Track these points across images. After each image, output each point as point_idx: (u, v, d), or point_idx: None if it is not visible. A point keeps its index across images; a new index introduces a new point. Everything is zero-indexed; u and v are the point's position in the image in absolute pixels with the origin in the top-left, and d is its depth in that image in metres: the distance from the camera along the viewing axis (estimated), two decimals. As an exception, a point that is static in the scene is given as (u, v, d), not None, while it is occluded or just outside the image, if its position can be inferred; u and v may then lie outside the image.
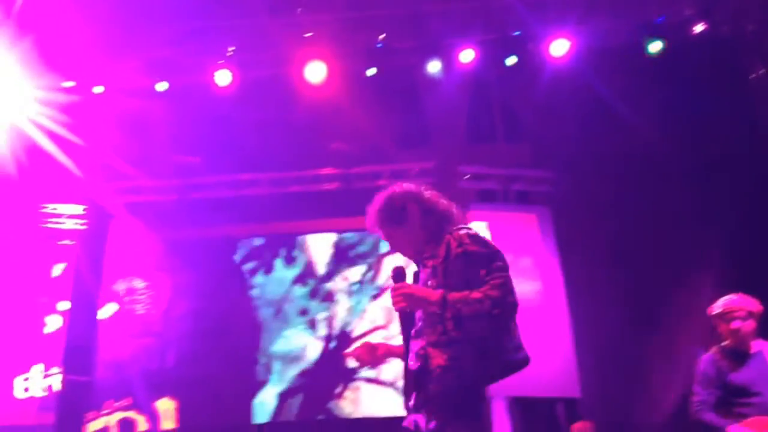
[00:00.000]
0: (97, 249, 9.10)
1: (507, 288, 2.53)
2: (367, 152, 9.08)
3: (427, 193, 2.92)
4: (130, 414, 8.73)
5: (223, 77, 7.94)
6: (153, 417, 8.71)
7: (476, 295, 2.49)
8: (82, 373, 8.68)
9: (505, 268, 2.59)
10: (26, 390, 8.60)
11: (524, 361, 2.58)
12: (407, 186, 2.95)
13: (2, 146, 7.67)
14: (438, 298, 2.51)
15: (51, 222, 9.09)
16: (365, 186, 9.19)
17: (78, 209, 9.22)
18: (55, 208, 8.95)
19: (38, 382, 8.63)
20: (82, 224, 9.22)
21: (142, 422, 8.71)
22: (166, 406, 8.78)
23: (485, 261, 2.59)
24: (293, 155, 9.08)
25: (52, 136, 7.77)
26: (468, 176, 9.20)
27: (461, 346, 2.54)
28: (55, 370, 8.68)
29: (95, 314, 8.92)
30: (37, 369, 8.66)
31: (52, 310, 8.85)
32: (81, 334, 8.76)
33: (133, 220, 9.24)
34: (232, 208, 9.20)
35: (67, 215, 9.15)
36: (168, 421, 8.70)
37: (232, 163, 9.12)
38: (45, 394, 8.61)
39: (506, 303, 2.51)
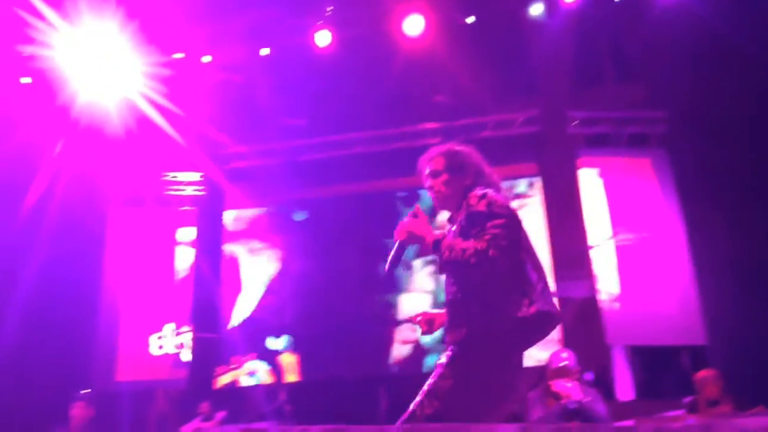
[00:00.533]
0: (216, 213, 9.54)
1: (494, 243, 2.53)
2: (469, 104, 8.90)
3: (479, 159, 2.95)
4: (256, 368, 9.17)
5: (322, 38, 8.00)
6: (277, 370, 9.11)
7: (464, 244, 2.55)
8: (210, 331, 9.21)
9: (503, 226, 2.57)
10: (160, 347, 9.23)
11: (540, 316, 2.55)
12: (468, 147, 2.99)
13: (121, 119, 8.11)
14: (432, 240, 2.63)
15: (172, 189, 9.62)
16: (470, 138, 9.06)
17: (195, 176, 9.70)
18: (175, 176, 9.44)
19: (171, 339, 9.24)
20: (200, 190, 9.70)
21: (267, 376, 9.13)
22: (288, 359, 9.14)
23: (482, 220, 2.60)
24: (395, 112, 9.06)
25: (164, 108, 8.14)
26: (576, 122, 8.86)
27: (465, 305, 2.62)
28: (185, 328, 9.26)
29: (219, 275, 9.40)
30: (169, 327, 9.27)
31: (183, 274, 9.42)
32: (207, 295, 9.28)
33: (247, 184, 9.59)
34: (338, 168, 9.33)
35: (186, 182, 9.65)
36: (291, 374, 9.06)
37: (335, 124, 9.23)
38: (177, 351, 9.22)
39: (487, 255, 2.51)
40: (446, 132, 9.07)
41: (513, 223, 2.62)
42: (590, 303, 8.15)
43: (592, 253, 8.28)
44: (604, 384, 7.06)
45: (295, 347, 9.16)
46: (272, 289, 9.51)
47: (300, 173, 9.42)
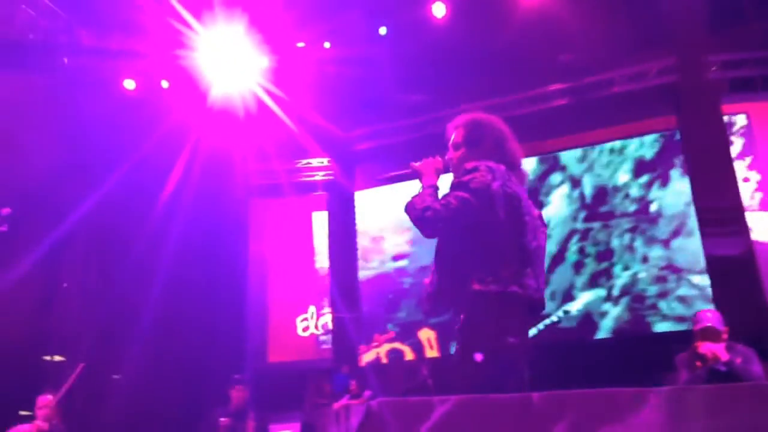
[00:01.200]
0: (346, 195, 9.74)
1: (449, 206, 2.56)
2: (596, 59, 8.47)
3: (501, 132, 2.91)
4: (397, 345, 9.32)
5: (439, 9, 7.89)
6: (417, 346, 9.21)
7: (424, 199, 2.62)
8: (349, 311, 9.45)
9: (462, 197, 2.57)
10: (305, 329, 9.60)
11: (503, 296, 2.53)
12: (493, 118, 2.97)
13: (252, 112, 8.42)
14: (424, 183, 2.73)
15: (306, 176, 9.92)
16: (599, 96, 8.68)
17: (325, 161, 9.94)
18: (308, 162, 9.71)
19: (315, 320, 9.58)
20: (329, 175, 9.93)
21: (408, 352, 9.26)
22: (427, 335, 9.22)
23: (452, 188, 2.64)
24: (518, 77, 8.80)
25: (290, 97, 8.36)
26: (716, 67, 8.22)
27: (436, 276, 2.68)
28: (326, 309, 9.57)
29: (355, 256, 9.59)
30: (313, 309, 9.61)
31: (322, 256, 9.71)
32: (343, 275, 9.52)
33: (375, 164, 9.70)
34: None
35: (318, 168, 9.91)
36: (431, 350, 9.13)
37: (459, 95, 9.09)
38: (321, 331, 9.54)
39: (439, 213, 2.54)
40: (574, 92, 8.73)
41: (478, 201, 2.58)
42: (745, 261, 7.60)
43: (744, 207, 7.71)
44: (760, 345, 6.59)
45: (432, 323, 9.21)
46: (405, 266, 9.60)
47: (424, 148, 9.37)
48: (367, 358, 9.38)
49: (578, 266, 8.79)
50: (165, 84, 8.23)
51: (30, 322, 7.71)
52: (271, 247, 9.63)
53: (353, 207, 9.83)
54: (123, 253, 8.33)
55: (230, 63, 7.93)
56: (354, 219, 9.77)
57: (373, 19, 8.21)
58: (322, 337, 9.57)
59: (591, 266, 8.73)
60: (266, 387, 7.49)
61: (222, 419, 6.28)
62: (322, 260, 9.73)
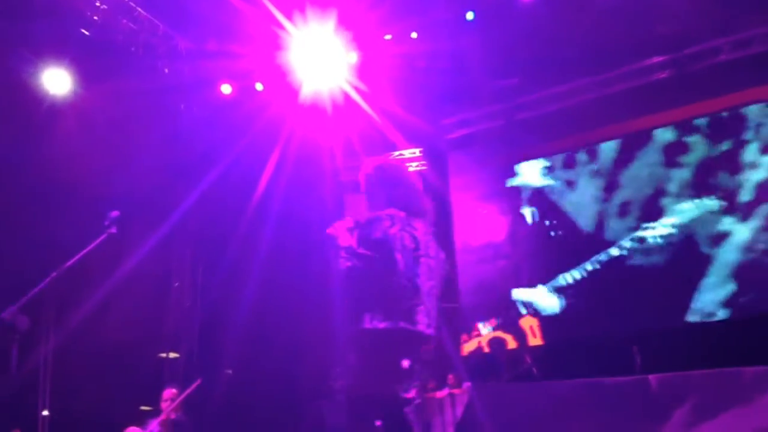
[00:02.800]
0: (441, 185, 9.67)
1: (354, 269, 3.03)
2: (698, 28, 8.02)
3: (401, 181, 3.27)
4: (499, 333, 9.19)
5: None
6: (520, 335, 9.05)
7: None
8: (448, 300, 9.38)
9: (366, 256, 3.01)
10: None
11: (393, 332, 2.92)
12: (397, 165, 3.40)
13: (340, 107, 8.51)
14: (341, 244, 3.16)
15: (397, 168, 9.92)
16: (702, 67, 8.24)
17: (416, 152, 9.92)
18: (400, 155, 9.72)
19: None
20: (422, 165, 9.90)
21: (510, 341, 9.12)
22: (529, 323, 9.04)
23: (358, 242, 3.08)
24: (614, 52, 8.46)
25: (379, 90, 8.39)
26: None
27: None
28: (426, 299, 9.52)
29: (453, 246, 9.51)
30: (412, 300, 9.59)
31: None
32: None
33: (469, 151, 9.61)
34: (560, 121, 8.98)
35: (411, 158, 9.89)
36: (534, 338, 8.96)
37: (549, 76, 8.87)
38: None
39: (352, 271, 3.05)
40: (676, 63, 8.31)
41: (378, 253, 2.97)
42: None
43: None
44: None
45: (534, 310, 9.03)
46: (503, 252, 9.45)
47: (520, 132, 9.22)
48: (469, 347, 9.30)
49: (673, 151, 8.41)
50: (259, 86, 8.44)
51: (144, 321, 8.12)
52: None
53: (448, 196, 9.76)
54: (223, 250, 8.64)
55: (320, 61, 8.04)
56: (450, 208, 9.69)
57: (459, 5, 8.12)
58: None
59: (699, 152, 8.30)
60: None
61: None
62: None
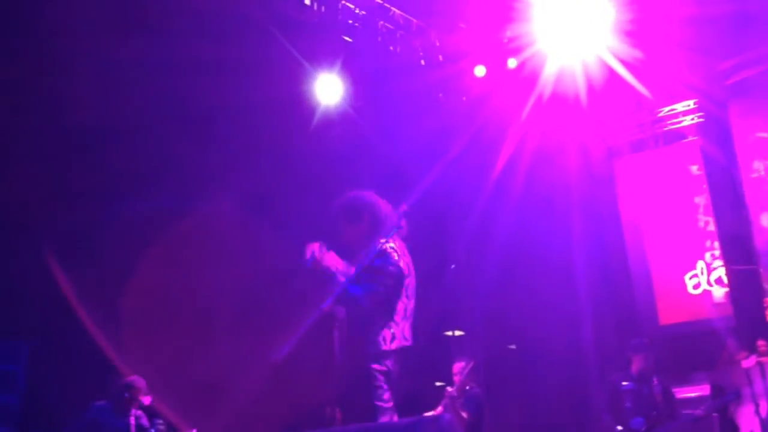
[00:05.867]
0: (723, 135, 8.76)
1: (378, 294, 3.88)
2: None
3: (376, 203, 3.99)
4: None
5: None
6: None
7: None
8: (743, 262, 8.49)
9: (386, 284, 3.88)
10: (696, 287, 8.90)
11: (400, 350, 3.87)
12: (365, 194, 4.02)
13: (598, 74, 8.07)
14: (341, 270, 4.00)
15: (670, 124, 9.19)
16: None
17: (690, 104, 9.08)
18: (672, 109, 8.99)
19: (706, 276, 8.83)
20: (699, 117, 9.05)
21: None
22: None
23: (372, 272, 3.88)
24: None
25: (642, 46, 7.79)
26: None
27: None
28: (718, 263, 8.74)
29: (743, 201, 8.58)
30: (702, 264, 8.87)
31: (703, 207, 8.94)
32: (731, 225, 8.59)
33: (754, 95, 8.53)
34: None
35: (684, 112, 9.11)
36: None
37: None
38: (715, 287, 8.75)
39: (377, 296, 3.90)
40: None
41: (393, 281, 3.80)
42: None
43: None
44: None
45: None
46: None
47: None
48: (775, 311, 8.31)
49: None
50: (512, 63, 8.33)
51: (430, 301, 8.62)
52: (643, 204, 9.11)
53: (732, 148, 8.77)
54: (491, 230, 8.79)
55: (574, 22, 7.67)
56: (735, 159, 8.70)
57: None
58: (717, 294, 8.76)
59: None
60: (661, 350, 7.17)
61: (624, 383, 6.21)
62: (704, 210, 8.90)
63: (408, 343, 3.83)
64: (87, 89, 6.30)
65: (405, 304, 3.84)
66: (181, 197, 7.08)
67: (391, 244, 3.85)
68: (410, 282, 3.89)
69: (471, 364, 6.51)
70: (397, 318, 3.81)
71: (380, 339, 3.80)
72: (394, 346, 3.77)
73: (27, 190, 6.30)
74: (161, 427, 7.13)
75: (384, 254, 3.75)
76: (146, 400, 6.21)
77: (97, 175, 6.68)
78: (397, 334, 3.78)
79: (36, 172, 6.39)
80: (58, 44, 6.12)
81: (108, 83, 6.45)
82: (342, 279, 3.83)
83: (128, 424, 6.10)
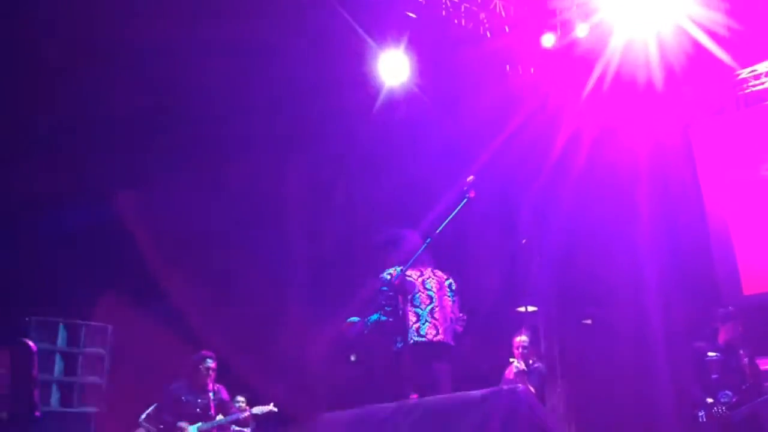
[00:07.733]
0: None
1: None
2: None
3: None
4: None
5: None
6: None
7: None
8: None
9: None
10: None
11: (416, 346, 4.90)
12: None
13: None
14: None
15: (751, 86, 8.72)
16: None
17: (772, 64, 8.56)
18: (753, 71, 8.52)
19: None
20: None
21: None
22: None
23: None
24: None
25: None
26: None
27: None
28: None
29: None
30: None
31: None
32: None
33: None
34: None
35: (766, 73, 8.61)
36: None
37: None
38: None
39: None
40: None
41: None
42: None
43: None
44: None
45: None
46: None
47: None
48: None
49: None
50: (582, 32, 8.06)
51: (503, 278, 8.57)
52: (722, 170, 8.68)
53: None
54: (557, 203, 8.63)
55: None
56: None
57: None
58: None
59: None
60: (746, 321, 6.90)
61: (710, 354, 6.02)
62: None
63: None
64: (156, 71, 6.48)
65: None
66: (249, 176, 7.23)
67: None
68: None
69: (529, 339, 6.47)
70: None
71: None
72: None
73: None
74: (242, 404, 7.35)
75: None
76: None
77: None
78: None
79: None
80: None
81: (167, 66, 6.62)
82: None
83: (209, 399, 6.31)
